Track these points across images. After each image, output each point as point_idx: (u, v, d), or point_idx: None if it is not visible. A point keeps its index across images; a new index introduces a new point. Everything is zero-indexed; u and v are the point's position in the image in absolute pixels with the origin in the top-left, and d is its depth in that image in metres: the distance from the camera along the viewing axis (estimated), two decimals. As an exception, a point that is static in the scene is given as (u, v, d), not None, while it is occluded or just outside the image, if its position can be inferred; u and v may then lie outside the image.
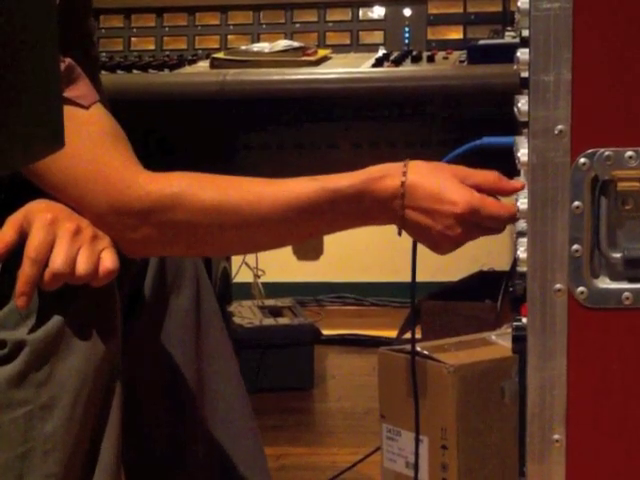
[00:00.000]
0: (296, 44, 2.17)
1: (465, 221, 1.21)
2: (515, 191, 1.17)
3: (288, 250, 3.23)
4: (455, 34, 2.30)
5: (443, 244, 1.24)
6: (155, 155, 2.12)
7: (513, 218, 1.19)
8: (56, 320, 1.16)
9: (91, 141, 1.24)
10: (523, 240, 1.04)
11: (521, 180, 1.18)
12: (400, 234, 1.27)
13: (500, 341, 1.88)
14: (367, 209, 1.24)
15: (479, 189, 1.23)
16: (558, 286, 1.02)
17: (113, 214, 1.23)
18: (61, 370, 1.17)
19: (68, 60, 1.22)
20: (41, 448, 1.17)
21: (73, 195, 1.23)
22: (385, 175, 1.24)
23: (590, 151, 1.00)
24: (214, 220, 1.25)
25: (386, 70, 2.09)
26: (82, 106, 1.23)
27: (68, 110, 1.04)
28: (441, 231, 1.22)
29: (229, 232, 1.27)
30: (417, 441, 1.62)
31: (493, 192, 1.23)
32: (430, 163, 1.26)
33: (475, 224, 1.23)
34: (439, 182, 1.22)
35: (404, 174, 1.22)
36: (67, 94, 1.20)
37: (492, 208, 1.22)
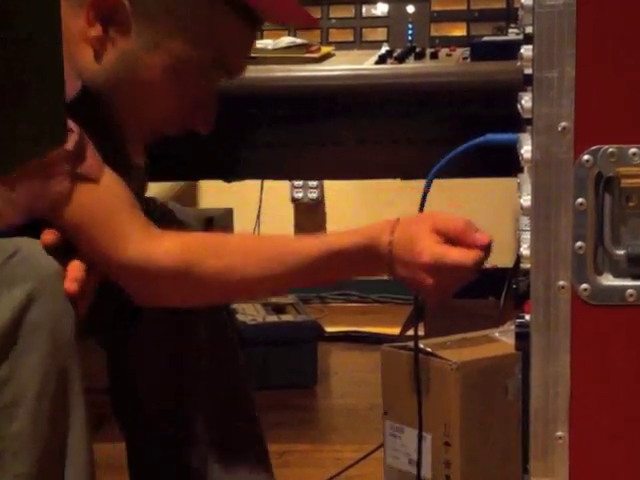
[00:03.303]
0: (299, 41, 2.17)
1: (432, 270, 1.27)
2: (479, 244, 1.25)
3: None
4: (458, 31, 2.29)
5: (427, 293, 1.32)
6: (159, 154, 2.11)
7: (479, 264, 1.26)
8: (11, 316, 1.16)
9: (107, 209, 1.30)
10: (526, 237, 1.04)
11: (485, 235, 1.26)
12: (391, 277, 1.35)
13: (503, 338, 1.88)
14: (367, 264, 1.33)
15: (450, 238, 1.28)
16: (561, 283, 1.02)
17: (131, 273, 1.31)
18: (22, 366, 1.16)
19: (78, 131, 1.24)
20: (10, 448, 1.16)
21: (91, 252, 1.28)
22: (379, 234, 1.31)
23: (594, 148, 1.00)
24: (224, 284, 1.33)
25: (389, 67, 2.08)
26: (92, 179, 1.28)
27: (83, 186, 1.24)
28: (417, 281, 1.29)
29: (239, 293, 1.40)
30: (420, 438, 1.62)
31: (459, 242, 1.28)
32: (416, 216, 1.34)
33: (446, 271, 1.27)
34: (412, 234, 1.29)
35: (392, 232, 1.30)
36: (79, 170, 1.26)
37: (455, 257, 1.27)
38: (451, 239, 1.28)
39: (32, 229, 1.24)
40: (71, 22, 1.30)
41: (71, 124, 1.25)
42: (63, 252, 1.24)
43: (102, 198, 1.28)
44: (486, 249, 1.27)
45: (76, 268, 1.23)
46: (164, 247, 1.30)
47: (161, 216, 1.45)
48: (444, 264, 1.27)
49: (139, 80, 1.31)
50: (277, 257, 1.32)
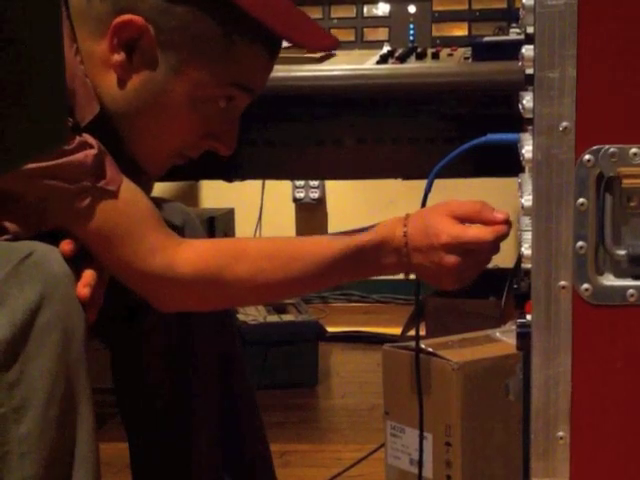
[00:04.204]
0: (301, 41, 2.17)
1: (453, 250, 1.30)
2: (497, 222, 1.29)
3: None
4: (460, 31, 2.29)
5: (444, 277, 1.33)
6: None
7: (500, 239, 1.29)
8: (22, 318, 1.16)
9: (129, 220, 1.30)
10: (527, 237, 1.04)
11: (504, 211, 1.29)
12: (406, 277, 1.40)
13: (504, 338, 1.88)
14: (383, 259, 1.34)
15: (467, 219, 1.31)
16: (562, 283, 1.02)
17: (154, 282, 1.32)
18: (32, 369, 1.16)
19: (97, 145, 1.25)
20: (17, 451, 1.16)
21: (113, 263, 1.30)
22: (393, 228, 1.34)
23: (595, 148, 1.00)
24: (250, 291, 1.35)
25: (391, 67, 2.08)
26: (113, 192, 1.29)
27: (104, 199, 1.26)
28: (437, 264, 1.31)
29: (263, 295, 1.42)
30: (421, 438, 1.62)
31: (478, 221, 1.31)
32: (425, 208, 1.37)
33: (466, 251, 1.30)
34: (426, 221, 1.32)
35: (405, 225, 1.33)
36: (99, 184, 1.27)
37: (474, 232, 1.30)
38: (469, 220, 1.31)
39: (48, 234, 1.25)
40: (92, 47, 1.30)
41: (90, 139, 1.26)
42: (77, 259, 1.24)
43: (123, 210, 1.29)
44: (506, 224, 1.30)
45: (89, 274, 1.24)
46: (186, 256, 1.31)
47: None
48: (464, 241, 1.29)
49: (161, 105, 1.32)
50: (299, 259, 1.33)
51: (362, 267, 1.36)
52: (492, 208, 1.31)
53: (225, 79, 1.32)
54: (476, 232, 1.29)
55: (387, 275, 1.39)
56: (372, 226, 1.36)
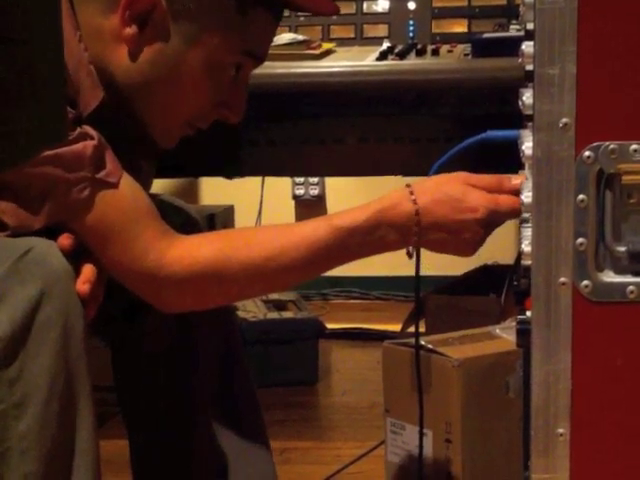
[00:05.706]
0: (300, 37, 2.17)
1: (486, 222, 1.28)
2: (518, 188, 1.22)
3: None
4: (460, 27, 2.29)
5: (468, 248, 1.30)
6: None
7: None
8: (22, 315, 1.16)
9: (125, 216, 1.29)
10: (528, 234, 1.04)
11: (521, 174, 1.21)
12: (410, 256, 1.34)
13: (504, 335, 1.88)
14: (383, 238, 1.31)
15: (492, 192, 1.29)
16: (562, 280, 1.02)
17: (147, 281, 1.31)
18: (32, 366, 1.16)
19: (97, 137, 1.25)
20: (17, 447, 1.16)
21: (108, 259, 1.29)
22: (396, 203, 1.30)
23: (595, 144, 1.00)
24: (243, 284, 1.33)
25: (390, 63, 2.08)
26: (112, 184, 1.28)
27: (102, 192, 1.26)
28: (467, 238, 1.28)
29: (257, 287, 1.39)
30: (421, 435, 1.62)
31: (500, 191, 1.29)
32: (433, 179, 1.32)
33: (494, 222, 1.29)
34: (452, 194, 1.28)
35: (414, 201, 1.28)
36: (98, 175, 1.26)
37: (508, 204, 1.28)
38: (490, 191, 1.30)
39: (47, 231, 1.25)
40: (101, 23, 1.30)
41: (91, 131, 1.25)
42: (76, 254, 1.24)
43: (120, 205, 1.28)
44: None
45: (89, 270, 1.24)
46: (176, 254, 1.30)
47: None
48: (499, 214, 1.28)
49: (175, 75, 1.32)
50: (290, 247, 1.31)
51: (358, 249, 1.32)
52: (509, 177, 1.30)
53: (236, 46, 1.33)
54: (511, 203, 1.27)
55: (389, 267, 1.36)
56: (374, 201, 1.33)
